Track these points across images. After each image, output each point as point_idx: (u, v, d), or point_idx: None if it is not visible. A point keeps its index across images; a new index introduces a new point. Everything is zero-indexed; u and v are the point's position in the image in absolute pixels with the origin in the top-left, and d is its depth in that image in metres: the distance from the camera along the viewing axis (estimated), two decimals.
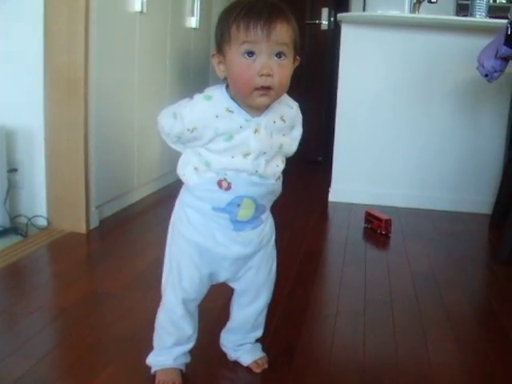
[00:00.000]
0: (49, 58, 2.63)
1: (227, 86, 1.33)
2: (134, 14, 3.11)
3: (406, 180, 3.62)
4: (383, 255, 2.73)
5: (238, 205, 1.35)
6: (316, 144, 5.03)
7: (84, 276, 2.30)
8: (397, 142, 3.60)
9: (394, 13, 3.94)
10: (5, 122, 2.68)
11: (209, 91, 1.33)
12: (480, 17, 3.50)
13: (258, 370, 1.59)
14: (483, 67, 2.69)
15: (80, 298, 2.03)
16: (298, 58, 1.32)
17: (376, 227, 2.98)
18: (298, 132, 1.46)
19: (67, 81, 2.62)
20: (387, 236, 2.93)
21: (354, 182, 3.66)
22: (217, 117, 1.29)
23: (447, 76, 3.50)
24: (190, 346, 1.52)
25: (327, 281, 2.43)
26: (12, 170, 2.74)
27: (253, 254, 1.45)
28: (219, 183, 1.33)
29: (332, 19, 4.93)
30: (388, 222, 2.94)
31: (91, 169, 2.76)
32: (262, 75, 1.23)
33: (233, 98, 1.31)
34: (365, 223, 3.09)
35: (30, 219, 2.75)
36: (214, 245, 1.39)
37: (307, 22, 5.02)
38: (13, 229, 2.66)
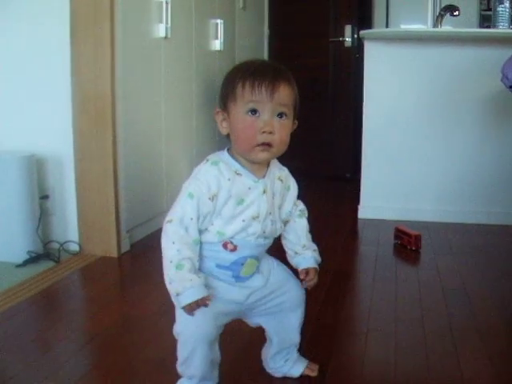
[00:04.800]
0: (76, 86, 2.69)
1: (228, 150, 1.40)
2: (158, 40, 3.16)
3: (435, 194, 3.59)
4: (414, 271, 2.71)
5: (242, 264, 1.41)
6: (344, 161, 5.03)
7: (116, 300, 2.33)
8: (424, 156, 3.58)
9: (415, 28, 3.94)
10: (35, 150, 2.74)
11: (213, 157, 1.38)
12: (503, 27, 3.48)
13: (314, 374, 1.64)
14: (507, 79, 2.66)
15: (112, 322, 2.05)
16: (295, 122, 1.40)
17: (406, 243, 2.96)
18: (294, 192, 1.52)
19: (95, 108, 2.67)
20: (417, 252, 2.90)
21: (382, 199, 3.64)
22: (229, 180, 1.34)
23: (473, 89, 3.48)
24: (216, 373, 1.51)
25: (358, 298, 2.42)
26: (44, 197, 2.80)
27: (264, 285, 1.48)
28: (224, 245, 1.38)
29: (355, 36, 4.95)
30: (418, 238, 2.92)
31: (121, 194, 2.80)
32: (264, 132, 1.31)
33: (237, 161, 1.37)
34: (395, 239, 3.07)
35: (62, 245, 2.80)
36: (227, 286, 1.42)
37: (331, 39, 5.05)
38: (45, 254, 2.71)
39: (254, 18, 5.07)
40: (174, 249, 1.32)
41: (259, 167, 1.40)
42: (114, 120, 2.71)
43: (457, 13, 3.70)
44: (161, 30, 3.15)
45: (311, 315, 2.01)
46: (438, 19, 3.80)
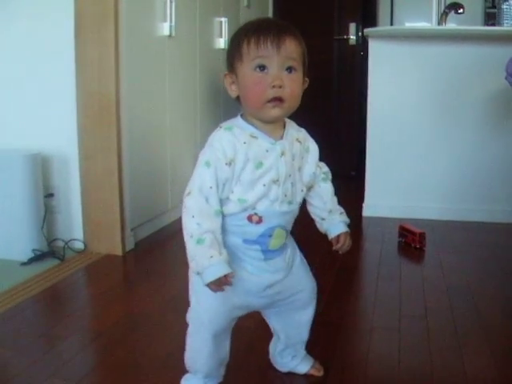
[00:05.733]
0: (81, 85, 2.70)
1: (241, 115, 1.36)
2: (162, 39, 3.16)
3: (439, 192, 3.59)
4: (418, 269, 2.71)
5: (270, 235, 1.36)
6: (349, 159, 5.03)
7: (121, 298, 2.33)
8: (429, 154, 3.58)
9: (419, 25, 3.94)
10: (40, 148, 2.75)
11: (227, 123, 1.35)
12: (507, 25, 3.47)
13: (320, 374, 1.64)
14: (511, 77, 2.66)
15: (117, 319, 2.06)
16: (306, 79, 1.36)
17: (410, 241, 2.96)
18: (315, 153, 1.48)
19: (99, 106, 2.68)
20: (422, 249, 2.90)
21: (387, 197, 3.64)
22: (244, 143, 1.30)
23: (478, 87, 3.47)
24: (222, 371, 1.52)
25: (362, 296, 2.42)
26: (48, 196, 2.81)
27: (284, 279, 1.45)
28: (249, 218, 1.34)
29: (360, 34, 4.94)
30: (422, 236, 2.92)
31: (126, 192, 2.81)
32: (274, 86, 1.27)
33: (252, 124, 1.34)
34: (399, 237, 3.07)
35: (66, 243, 2.81)
36: (247, 276, 1.38)
37: (335, 37, 5.05)
38: (50, 252, 2.72)
39: (258, 15, 5.05)
40: (193, 222, 1.27)
41: (275, 128, 1.36)
42: (119, 118, 2.71)
43: (461, 10, 3.70)
44: (165, 29, 3.15)
45: (316, 312, 2.01)
46: (443, 17, 3.79)
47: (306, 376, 1.65)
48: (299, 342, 1.62)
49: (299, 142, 1.41)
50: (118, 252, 2.78)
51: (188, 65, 3.58)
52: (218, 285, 1.26)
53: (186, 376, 1.52)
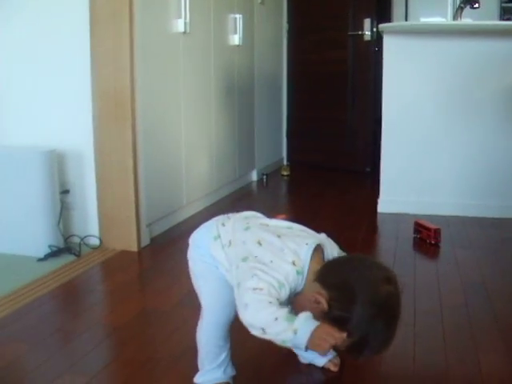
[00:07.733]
0: (96, 82, 2.71)
1: (311, 259, 1.38)
2: (177, 35, 3.17)
3: (455, 188, 3.57)
4: (433, 265, 2.70)
5: None
6: (364, 155, 5.01)
7: (136, 294, 2.35)
8: (444, 150, 3.56)
9: (434, 21, 3.91)
10: (56, 145, 2.77)
11: (300, 265, 1.37)
12: None
13: (335, 369, 1.66)
14: None
15: (132, 315, 2.07)
16: None
17: (425, 237, 2.95)
18: None
19: (114, 103, 2.69)
20: (437, 245, 2.89)
21: (402, 193, 3.63)
22: (295, 290, 1.37)
23: (493, 82, 3.45)
24: (228, 353, 1.54)
25: None
26: (64, 192, 2.82)
27: None
28: None
29: (374, 29, 4.92)
30: (437, 232, 2.91)
31: (141, 188, 2.82)
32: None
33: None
34: (414, 233, 3.06)
35: (82, 239, 2.83)
36: None
37: (350, 33, 5.03)
38: (66, 249, 2.73)
39: (272, 12, 5.07)
40: (274, 306, 1.29)
41: None
42: (134, 115, 2.72)
43: (477, 5, 3.67)
44: (180, 25, 3.16)
45: None
46: (458, 12, 3.77)
47: (322, 372, 1.66)
48: None
49: None
50: (134, 248, 2.79)
51: (202, 61, 3.58)
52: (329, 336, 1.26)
53: (198, 375, 1.55)
